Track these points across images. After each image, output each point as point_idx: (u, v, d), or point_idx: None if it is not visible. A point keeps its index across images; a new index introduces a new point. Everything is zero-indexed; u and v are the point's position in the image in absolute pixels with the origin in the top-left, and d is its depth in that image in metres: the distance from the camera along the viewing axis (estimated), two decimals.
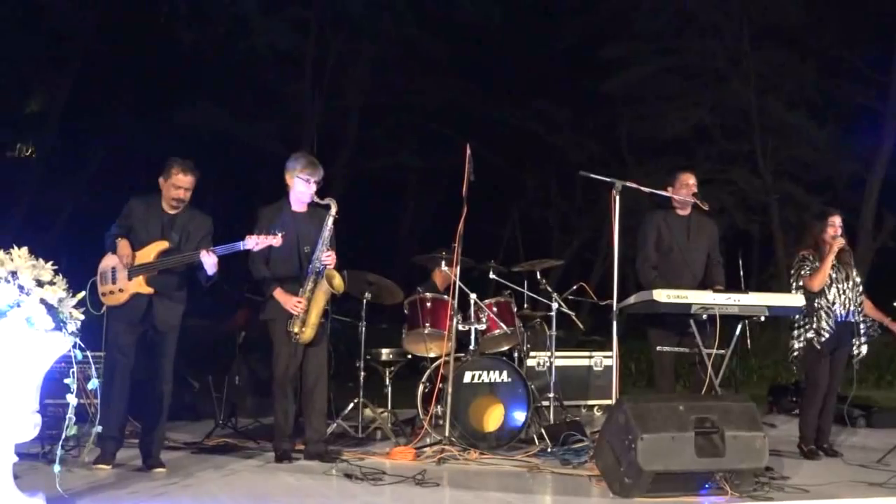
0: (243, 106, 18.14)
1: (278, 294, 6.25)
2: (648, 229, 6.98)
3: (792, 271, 6.97)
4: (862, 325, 6.93)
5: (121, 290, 5.85)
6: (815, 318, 6.76)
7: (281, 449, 6.28)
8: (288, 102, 18.84)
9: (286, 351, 6.25)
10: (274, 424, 6.41)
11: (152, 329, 5.91)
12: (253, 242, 5.84)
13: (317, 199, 6.34)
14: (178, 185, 5.94)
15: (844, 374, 7.03)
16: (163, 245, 5.89)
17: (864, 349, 6.98)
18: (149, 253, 5.87)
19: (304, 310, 6.19)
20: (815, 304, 6.76)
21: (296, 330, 6.19)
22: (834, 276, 6.81)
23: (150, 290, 5.85)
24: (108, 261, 5.93)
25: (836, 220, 6.88)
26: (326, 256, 6.27)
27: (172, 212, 6.01)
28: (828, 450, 6.93)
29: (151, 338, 5.93)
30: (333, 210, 6.30)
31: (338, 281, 6.27)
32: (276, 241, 5.89)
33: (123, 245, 5.84)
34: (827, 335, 6.74)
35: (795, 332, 6.92)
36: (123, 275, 5.85)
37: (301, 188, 6.34)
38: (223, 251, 5.84)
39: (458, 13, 18.01)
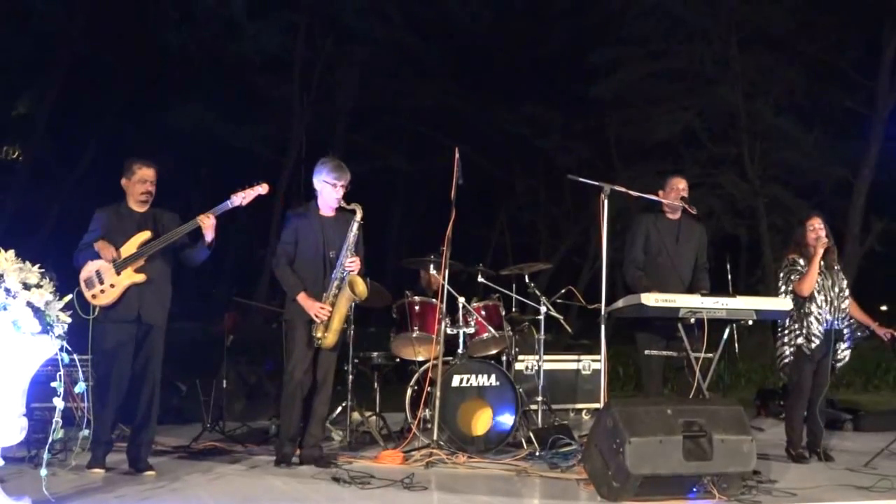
0: (232, 109, 18.12)
1: (302, 299, 6.19)
2: (637, 231, 6.98)
3: (780, 274, 6.97)
4: (847, 331, 6.93)
5: (112, 286, 5.76)
6: (805, 324, 6.75)
7: (282, 452, 6.24)
8: (276, 105, 18.83)
9: (299, 353, 6.20)
10: (280, 425, 6.39)
11: (143, 326, 5.87)
12: (239, 199, 5.92)
13: (343, 204, 6.32)
14: (144, 178, 5.96)
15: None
16: (144, 235, 5.86)
17: (848, 354, 6.98)
18: (132, 246, 5.84)
19: (328, 315, 6.17)
20: (805, 310, 6.74)
21: (319, 335, 6.16)
22: (821, 282, 6.79)
23: (142, 278, 5.81)
24: (90, 266, 5.82)
25: (816, 223, 6.87)
26: (350, 262, 6.24)
27: (142, 209, 6.00)
28: (821, 454, 6.90)
29: (140, 337, 5.88)
30: (359, 216, 6.30)
31: (360, 287, 6.24)
32: (262, 189, 5.91)
33: (104, 244, 5.79)
34: (817, 341, 6.73)
35: (786, 339, 6.89)
36: (111, 272, 5.78)
37: (329, 192, 6.32)
38: (217, 212, 5.91)
39: (447, 17, 18.01)
